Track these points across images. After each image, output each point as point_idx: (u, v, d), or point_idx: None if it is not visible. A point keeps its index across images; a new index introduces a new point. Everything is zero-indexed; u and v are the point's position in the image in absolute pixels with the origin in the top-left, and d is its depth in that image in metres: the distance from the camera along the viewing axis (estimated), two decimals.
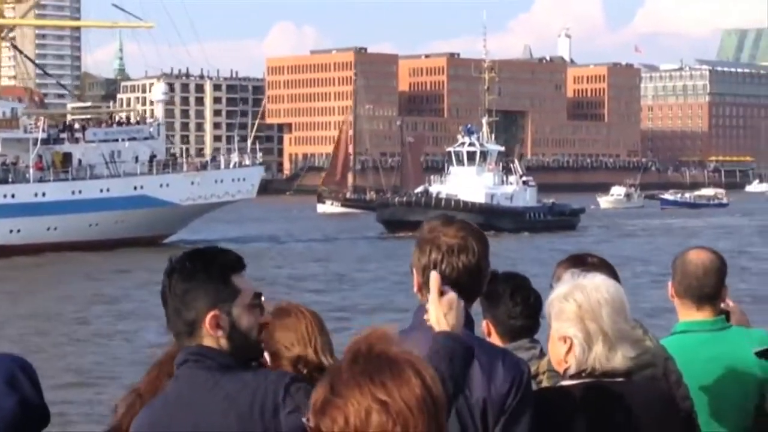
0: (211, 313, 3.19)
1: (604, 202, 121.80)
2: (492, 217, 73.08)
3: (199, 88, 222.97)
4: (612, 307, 3.47)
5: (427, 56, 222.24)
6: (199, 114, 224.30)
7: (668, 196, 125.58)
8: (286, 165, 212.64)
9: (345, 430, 2.13)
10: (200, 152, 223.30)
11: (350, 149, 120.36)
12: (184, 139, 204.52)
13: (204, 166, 69.61)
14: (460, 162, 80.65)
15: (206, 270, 3.20)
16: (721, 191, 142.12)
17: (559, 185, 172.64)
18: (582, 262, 4.29)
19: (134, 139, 65.81)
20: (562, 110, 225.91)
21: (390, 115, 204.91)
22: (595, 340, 3.46)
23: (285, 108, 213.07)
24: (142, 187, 64.21)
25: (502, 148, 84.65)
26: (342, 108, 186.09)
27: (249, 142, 73.88)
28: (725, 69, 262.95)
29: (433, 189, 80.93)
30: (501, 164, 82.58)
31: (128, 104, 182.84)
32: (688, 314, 4.68)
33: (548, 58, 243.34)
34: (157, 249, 55.29)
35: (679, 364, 4.19)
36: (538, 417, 3.46)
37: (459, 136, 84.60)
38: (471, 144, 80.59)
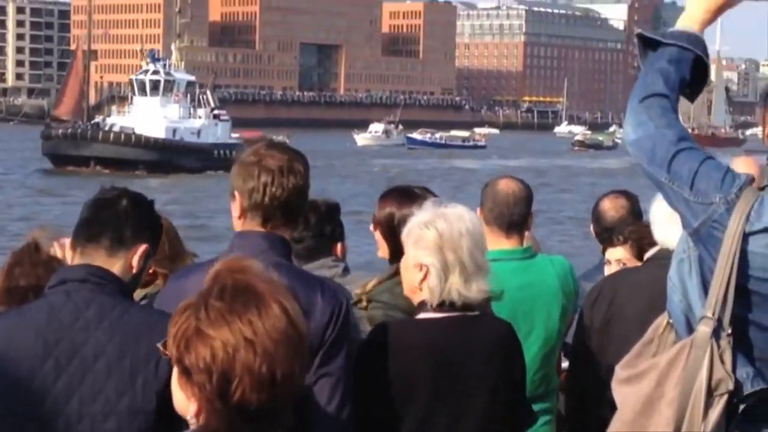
0: (144, 246, 3.40)
1: (361, 139, 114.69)
2: (173, 155, 65.39)
3: (1, 10, 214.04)
4: (472, 238, 3.53)
5: None
6: (1, 37, 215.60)
7: (416, 135, 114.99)
8: (92, 93, 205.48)
9: (209, 366, 2.19)
10: (2, 77, 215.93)
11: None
12: None
13: None
14: (142, 92, 70.27)
15: (152, 210, 3.48)
16: (484, 131, 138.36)
17: (324, 120, 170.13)
18: (409, 191, 4.26)
19: None
20: (377, 46, 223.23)
21: (200, 45, 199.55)
22: (452, 270, 3.52)
23: (92, 35, 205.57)
24: None
25: (192, 78, 73.99)
26: (152, 36, 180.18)
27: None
28: (542, 9, 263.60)
29: (110, 120, 71.19)
30: (190, 95, 72.09)
31: None
32: (498, 242, 4.71)
33: None
34: None
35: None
36: (386, 353, 3.54)
37: (143, 63, 74.63)
38: (155, 72, 70.36)
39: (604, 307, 4.75)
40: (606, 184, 62.80)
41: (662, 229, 4.48)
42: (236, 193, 3.52)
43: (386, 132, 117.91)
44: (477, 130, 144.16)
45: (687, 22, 2.87)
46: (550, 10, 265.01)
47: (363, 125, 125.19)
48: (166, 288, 3.70)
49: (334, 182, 54.99)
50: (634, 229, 5.12)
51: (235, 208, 3.53)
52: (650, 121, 2.77)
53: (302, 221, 4.44)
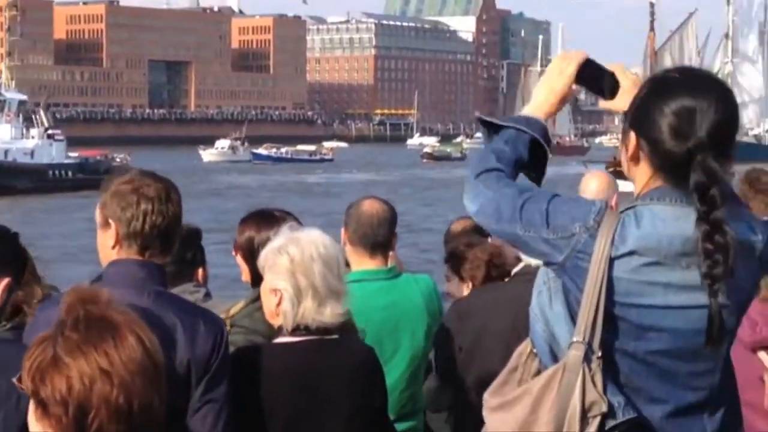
0: (6, 280, 3.47)
1: (207, 155, 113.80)
2: (5, 176, 63.19)
3: None
4: (324, 262, 3.60)
5: (84, 3, 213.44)
6: None
7: (262, 150, 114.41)
8: None
9: (65, 398, 2.16)
10: None
11: None
12: None
13: None
14: None
15: (15, 242, 3.50)
16: (333, 144, 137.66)
17: (175, 138, 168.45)
18: (270, 215, 4.32)
19: None
20: (227, 61, 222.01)
21: (46, 63, 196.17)
22: (305, 294, 3.60)
23: None
24: None
25: (24, 97, 72.58)
26: None
27: None
28: (391, 23, 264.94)
29: None
30: (23, 115, 70.51)
31: None
32: (362, 263, 4.82)
33: (216, 8, 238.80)
34: None
35: (356, 313, 4.14)
36: (244, 377, 3.60)
37: None
38: None
39: (468, 324, 4.83)
40: (453, 195, 63.27)
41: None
42: (111, 222, 3.48)
43: (233, 148, 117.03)
44: (325, 144, 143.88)
45: (532, 110, 2.96)
46: (399, 23, 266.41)
47: (214, 142, 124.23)
48: (34, 320, 3.56)
49: None
50: (476, 260, 5.16)
51: (110, 237, 3.49)
52: (487, 189, 2.83)
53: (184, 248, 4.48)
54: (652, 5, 78.40)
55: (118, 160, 77.87)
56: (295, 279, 3.58)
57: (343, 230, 4.85)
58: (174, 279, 4.50)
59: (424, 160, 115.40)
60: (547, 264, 2.81)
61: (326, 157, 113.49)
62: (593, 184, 5.23)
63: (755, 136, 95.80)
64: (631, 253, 2.69)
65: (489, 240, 5.25)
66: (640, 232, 2.70)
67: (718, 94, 2.72)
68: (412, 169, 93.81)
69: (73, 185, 64.71)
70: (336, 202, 57.60)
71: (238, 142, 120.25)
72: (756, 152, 65.22)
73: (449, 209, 51.41)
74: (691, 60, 79.79)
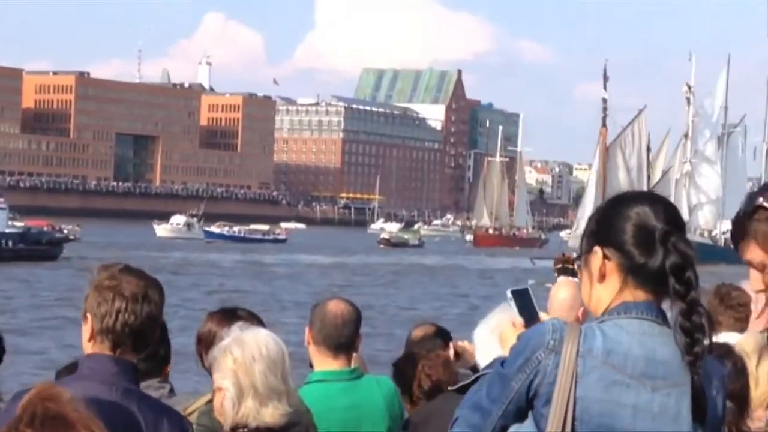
0: None
1: (161, 230, 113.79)
2: None
3: None
4: (267, 362, 3.70)
5: (55, 73, 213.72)
6: None
7: (214, 228, 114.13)
8: None
9: None
10: None
11: None
12: None
13: None
14: None
15: None
16: (291, 225, 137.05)
17: (139, 212, 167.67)
18: (233, 314, 4.48)
19: None
20: (195, 138, 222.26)
21: (12, 132, 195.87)
22: (246, 394, 3.70)
23: None
24: None
25: None
26: None
27: None
28: (360, 107, 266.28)
29: None
30: None
31: None
32: (325, 363, 4.90)
33: (186, 84, 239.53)
34: None
35: (318, 413, 4.28)
36: None
37: None
38: None
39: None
40: (408, 281, 63.22)
41: (483, 353, 4.36)
42: (89, 315, 3.53)
43: (188, 224, 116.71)
44: (283, 224, 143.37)
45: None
46: (368, 108, 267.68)
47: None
48: (6, 410, 3.56)
49: None
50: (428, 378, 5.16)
51: (86, 330, 3.54)
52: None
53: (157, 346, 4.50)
54: (604, 101, 78.92)
55: (65, 231, 77.28)
56: (237, 378, 3.67)
57: (307, 329, 4.93)
58: (144, 376, 4.47)
59: (381, 246, 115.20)
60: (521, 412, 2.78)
61: (280, 237, 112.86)
62: (563, 293, 5.15)
63: (711, 237, 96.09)
64: (598, 369, 2.70)
65: (451, 344, 5.30)
66: (605, 346, 2.71)
67: (666, 201, 2.86)
68: (367, 254, 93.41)
69: (14, 255, 64.49)
70: (278, 284, 57.32)
71: (194, 219, 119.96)
72: (712, 254, 65.00)
73: (396, 298, 51.22)
74: (641, 156, 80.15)
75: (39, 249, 67.71)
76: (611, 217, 2.83)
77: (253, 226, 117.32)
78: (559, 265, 64.30)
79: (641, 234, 2.78)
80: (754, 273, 2.84)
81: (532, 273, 72.06)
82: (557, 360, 2.71)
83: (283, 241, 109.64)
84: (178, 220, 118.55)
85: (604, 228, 2.83)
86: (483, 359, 4.33)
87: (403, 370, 5.22)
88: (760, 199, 2.80)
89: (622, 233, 2.79)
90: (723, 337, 4.79)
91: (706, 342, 2.73)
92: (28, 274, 54.99)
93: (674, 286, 2.73)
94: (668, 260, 2.73)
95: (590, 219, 2.90)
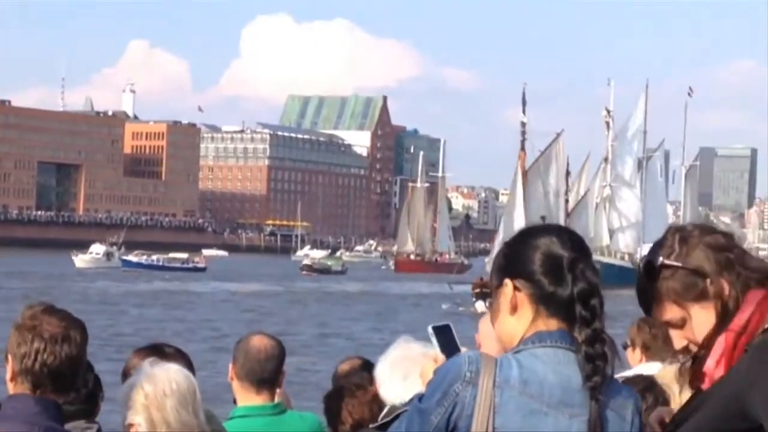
0: None
1: (80, 261, 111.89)
2: None
3: None
4: (178, 398, 3.70)
5: None
6: None
7: (132, 257, 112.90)
8: None
9: None
10: None
11: None
12: None
13: None
14: None
15: None
16: (212, 252, 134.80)
17: (62, 241, 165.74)
18: (159, 350, 4.49)
19: None
20: (119, 166, 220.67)
21: None
22: (159, 429, 3.69)
23: None
24: None
25: None
26: None
27: None
28: (285, 134, 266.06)
29: None
30: None
31: None
32: (248, 398, 4.91)
33: (110, 113, 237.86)
34: None
35: None
36: None
37: None
38: None
39: None
40: (331, 309, 63.05)
41: (389, 388, 4.39)
42: (9, 356, 3.55)
43: (108, 254, 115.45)
44: (205, 252, 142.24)
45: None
46: (294, 135, 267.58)
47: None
48: None
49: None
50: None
51: (8, 370, 3.54)
52: None
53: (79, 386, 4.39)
54: (523, 124, 79.30)
55: None
56: (149, 414, 3.65)
57: (231, 365, 4.93)
58: (71, 417, 4.44)
59: (303, 272, 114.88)
60: None
61: (199, 265, 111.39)
62: (487, 325, 5.09)
63: (633, 261, 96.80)
64: (515, 399, 2.74)
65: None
66: (522, 376, 2.75)
67: (571, 231, 2.92)
68: (287, 281, 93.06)
69: None
70: (187, 313, 56.89)
71: (114, 248, 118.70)
72: (633, 277, 65.37)
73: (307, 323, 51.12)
74: (559, 181, 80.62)
75: None
76: (519, 250, 2.86)
77: (172, 255, 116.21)
78: (477, 290, 64.89)
79: (550, 262, 2.81)
80: (675, 332, 2.85)
81: (450, 297, 72.42)
82: (474, 392, 2.73)
83: (203, 269, 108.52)
84: (98, 249, 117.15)
85: (513, 260, 2.86)
86: (387, 394, 4.42)
87: (329, 406, 5.14)
88: (660, 259, 2.81)
89: (531, 263, 2.83)
90: (647, 366, 4.88)
91: (607, 370, 2.77)
92: None
93: (581, 313, 2.78)
94: (576, 287, 2.79)
95: (498, 254, 2.93)
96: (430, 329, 3.09)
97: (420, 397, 2.81)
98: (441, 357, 3.02)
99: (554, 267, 2.82)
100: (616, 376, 2.97)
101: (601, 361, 2.76)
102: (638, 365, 5.43)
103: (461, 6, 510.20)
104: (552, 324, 2.83)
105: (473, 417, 2.73)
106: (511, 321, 2.86)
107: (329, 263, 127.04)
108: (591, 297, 2.80)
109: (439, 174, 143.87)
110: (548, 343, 2.81)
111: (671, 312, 2.84)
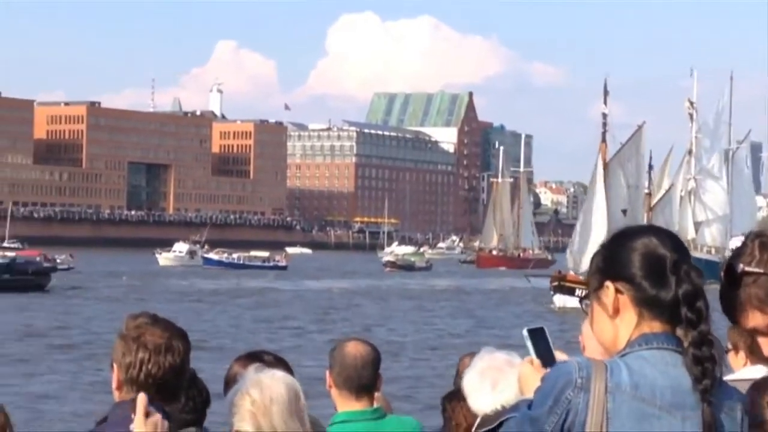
0: None
1: (164, 259, 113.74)
2: None
3: None
4: (283, 405, 3.74)
5: (66, 104, 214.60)
6: None
7: (212, 255, 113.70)
8: None
9: None
10: None
11: None
12: None
13: None
14: None
15: None
16: (296, 251, 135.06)
17: (152, 240, 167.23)
18: (258, 358, 4.53)
19: None
20: (207, 165, 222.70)
21: (24, 162, 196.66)
22: None
23: None
24: None
25: None
26: None
27: None
28: (372, 131, 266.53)
29: None
30: None
31: None
32: (348, 404, 4.93)
33: (198, 113, 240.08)
34: None
35: None
36: None
37: None
38: None
39: None
40: (408, 306, 62.84)
41: (478, 398, 4.39)
42: (115, 365, 3.62)
43: (191, 252, 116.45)
44: (288, 249, 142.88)
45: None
46: (380, 132, 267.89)
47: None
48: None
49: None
50: None
51: (114, 379, 3.62)
52: None
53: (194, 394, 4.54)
54: (604, 116, 78.36)
55: (59, 260, 77.22)
56: (257, 421, 3.70)
57: (327, 373, 4.95)
58: (183, 426, 4.45)
59: (387, 269, 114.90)
60: None
61: (280, 264, 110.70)
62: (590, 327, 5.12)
63: (720, 254, 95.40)
64: (628, 403, 2.73)
65: None
66: (632, 380, 2.73)
67: (669, 231, 2.87)
68: (372, 278, 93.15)
69: (2, 286, 64.17)
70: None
71: (197, 246, 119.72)
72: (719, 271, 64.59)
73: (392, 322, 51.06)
74: (640, 173, 79.63)
75: (25, 279, 67.26)
76: (617, 252, 2.84)
77: (253, 253, 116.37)
78: (555, 283, 64.47)
79: (651, 264, 2.79)
80: (763, 339, 2.82)
81: (528, 291, 72.09)
82: (587, 398, 2.71)
83: (284, 267, 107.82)
84: (181, 248, 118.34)
85: (612, 263, 2.84)
86: (476, 404, 4.39)
87: (445, 408, 5.08)
88: (741, 266, 2.78)
89: (631, 265, 2.80)
90: (752, 370, 4.74)
91: (717, 372, 2.75)
92: (12, 306, 54.33)
93: (687, 315, 2.76)
94: (680, 289, 2.76)
95: (595, 256, 2.89)
96: (524, 332, 3.06)
97: (529, 405, 2.79)
98: (537, 361, 3.02)
99: (656, 269, 2.79)
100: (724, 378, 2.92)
101: (709, 364, 2.74)
102: (742, 369, 5.17)
103: (545, 1, 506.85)
104: (656, 326, 2.80)
105: (586, 423, 2.71)
106: (614, 324, 2.84)
107: (413, 259, 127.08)
108: (696, 299, 2.76)
109: (520, 169, 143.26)
110: (655, 345, 2.78)
111: (756, 319, 2.80)
